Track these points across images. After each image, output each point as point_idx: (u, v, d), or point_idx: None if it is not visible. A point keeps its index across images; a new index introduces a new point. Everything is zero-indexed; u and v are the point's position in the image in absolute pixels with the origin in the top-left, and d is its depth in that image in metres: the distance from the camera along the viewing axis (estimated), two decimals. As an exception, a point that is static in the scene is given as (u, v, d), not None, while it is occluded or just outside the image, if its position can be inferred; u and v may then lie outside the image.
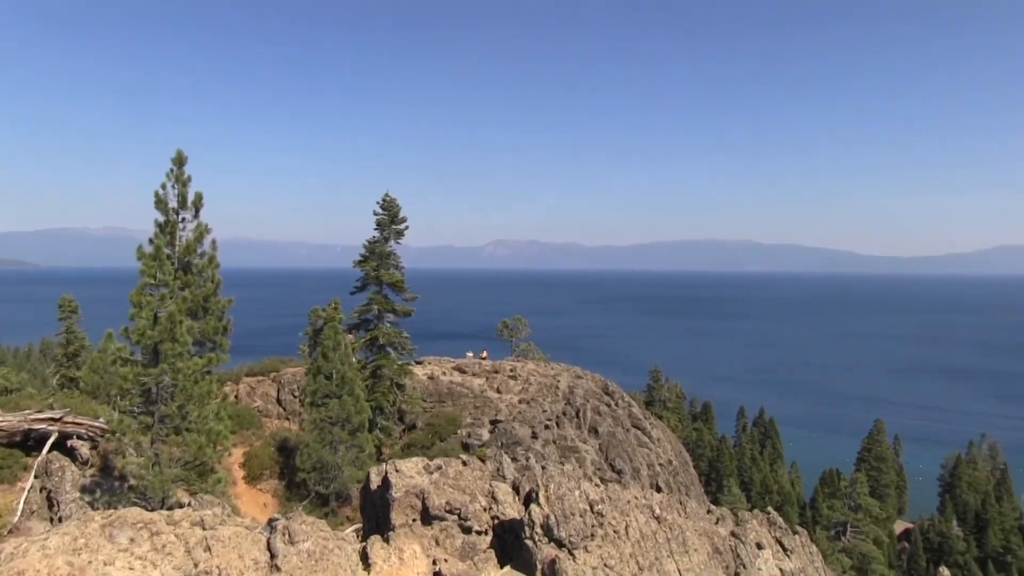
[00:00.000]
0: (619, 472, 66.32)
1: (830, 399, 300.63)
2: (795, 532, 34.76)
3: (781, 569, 29.51)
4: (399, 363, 67.82)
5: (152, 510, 21.75)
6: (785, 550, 31.60)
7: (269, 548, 18.20)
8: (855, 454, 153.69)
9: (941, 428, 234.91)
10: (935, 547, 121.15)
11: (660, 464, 75.21)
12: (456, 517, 23.27)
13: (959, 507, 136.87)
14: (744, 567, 27.45)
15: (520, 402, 72.16)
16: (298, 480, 53.22)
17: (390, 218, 68.24)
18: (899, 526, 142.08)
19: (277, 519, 19.19)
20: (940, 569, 68.12)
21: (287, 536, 18.44)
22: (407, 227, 69.13)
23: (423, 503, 23.64)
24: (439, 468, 25.32)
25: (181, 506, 25.00)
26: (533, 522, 22.15)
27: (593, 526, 22.45)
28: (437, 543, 22.53)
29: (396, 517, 23.59)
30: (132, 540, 17.09)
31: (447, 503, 23.43)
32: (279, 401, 68.90)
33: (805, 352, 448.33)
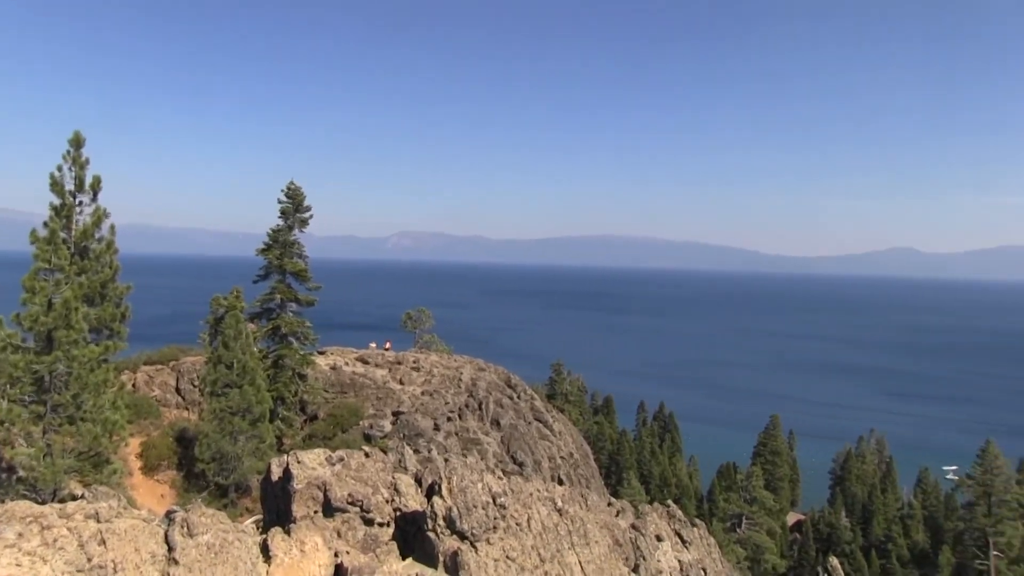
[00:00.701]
0: (521, 465, 66.85)
1: (729, 394, 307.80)
2: (694, 524, 35.56)
3: (680, 560, 30.17)
4: (301, 353, 67.04)
5: (43, 503, 21.09)
6: (684, 542, 32.33)
7: (167, 541, 17.86)
8: (751, 448, 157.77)
9: (833, 423, 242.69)
10: (824, 537, 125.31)
11: (562, 457, 76.07)
12: (358, 509, 23.17)
13: (848, 499, 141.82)
14: (644, 559, 28.00)
15: (423, 394, 72.08)
16: (197, 471, 52.19)
17: (294, 207, 67.34)
18: (792, 518, 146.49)
19: (175, 511, 18.85)
20: (830, 558, 70.60)
21: (186, 528, 18.12)
22: (311, 216, 68.35)
23: (325, 495, 23.48)
24: (341, 460, 25.17)
25: (74, 498, 24.27)
26: (435, 514, 22.22)
27: (496, 518, 22.63)
28: (339, 535, 22.41)
29: (297, 509, 23.37)
30: (20, 535, 16.57)
31: (349, 495, 23.31)
32: (178, 390, 67.39)
33: (706, 348, 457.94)
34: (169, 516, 18.67)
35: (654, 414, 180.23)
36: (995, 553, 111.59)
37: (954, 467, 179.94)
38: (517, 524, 23.14)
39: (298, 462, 24.62)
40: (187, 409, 65.98)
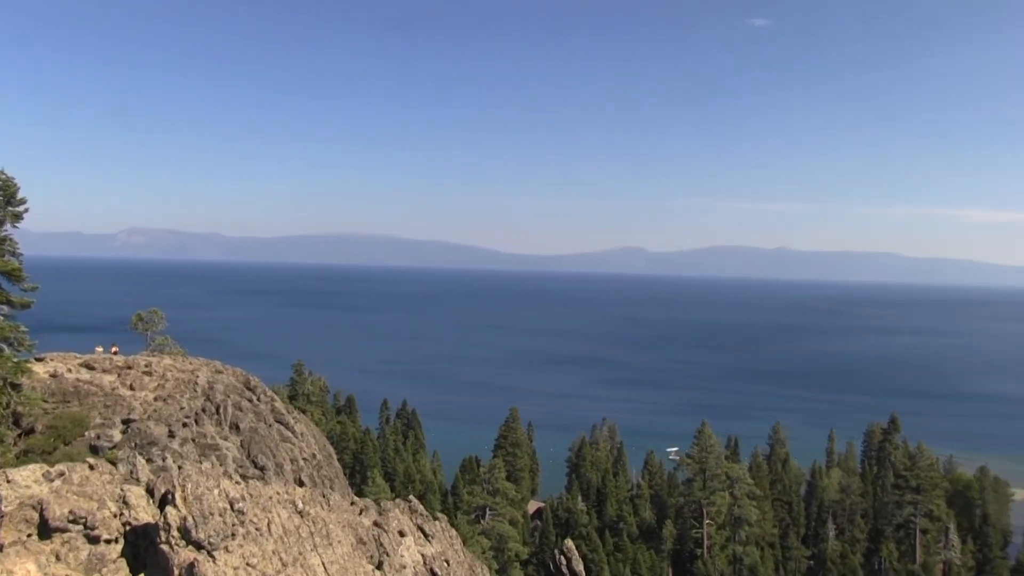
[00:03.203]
0: (262, 468, 64.78)
1: (469, 389, 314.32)
2: (435, 518, 35.80)
3: (423, 554, 30.25)
4: (14, 361, 61.39)
5: None
6: (426, 536, 32.44)
7: None
8: (493, 441, 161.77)
9: (569, 414, 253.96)
10: (563, 522, 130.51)
11: (304, 459, 74.44)
12: (81, 527, 21.46)
13: (583, 484, 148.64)
14: (388, 555, 27.84)
15: (156, 399, 68.17)
16: None
17: (5, 199, 61.57)
18: (533, 506, 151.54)
19: None
20: (566, 541, 73.54)
21: None
22: (27, 210, 62.73)
23: (41, 515, 21.55)
24: (62, 474, 23.22)
25: None
26: (169, 525, 20.97)
27: (234, 525, 21.70)
28: (58, 558, 20.64)
29: (6, 534, 21.29)
30: None
31: (71, 512, 21.53)
32: None
33: (446, 345, 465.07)
34: None
35: (397, 412, 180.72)
36: (708, 521, 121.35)
37: (675, 448, 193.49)
38: (257, 529, 22.31)
39: (8, 481, 22.46)
40: None
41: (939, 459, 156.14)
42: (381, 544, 28.24)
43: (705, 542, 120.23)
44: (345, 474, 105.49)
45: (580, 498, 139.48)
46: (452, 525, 44.11)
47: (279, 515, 23.50)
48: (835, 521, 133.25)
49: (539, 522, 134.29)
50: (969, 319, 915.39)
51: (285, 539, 22.91)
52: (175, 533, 20.83)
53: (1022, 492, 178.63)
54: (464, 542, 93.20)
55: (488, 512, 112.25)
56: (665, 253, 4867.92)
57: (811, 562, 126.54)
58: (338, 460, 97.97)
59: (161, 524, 21.12)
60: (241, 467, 64.04)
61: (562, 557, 73.71)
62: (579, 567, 72.73)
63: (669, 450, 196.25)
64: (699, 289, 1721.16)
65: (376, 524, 29.56)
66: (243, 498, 22.58)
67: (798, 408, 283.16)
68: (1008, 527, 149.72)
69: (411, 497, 36.01)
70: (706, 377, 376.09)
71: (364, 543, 27.49)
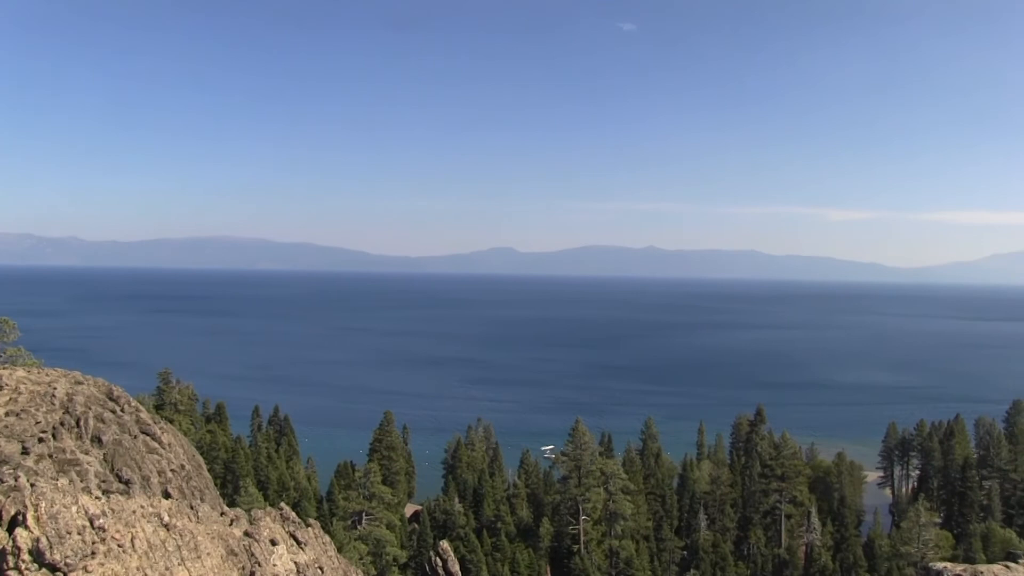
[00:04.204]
0: (127, 482, 61.99)
1: (343, 393, 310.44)
2: (308, 525, 34.88)
3: (296, 562, 29.37)
4: None
5: None
6: (299, 543, 31.51)
7: None
8: (368, 445, 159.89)
9: (444, 415, 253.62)
10: (441, 524, 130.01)
11: (172, 470, 71.64)
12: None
13: (460, 485, 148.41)
14: (259, 565, 26.86)
15: (7, 415, 64.43)
16: None
17: None
18: (410, 509, 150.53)
19: None
20: (441, 543, 73.15)
21: None
22: None
23: None
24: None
25: None
26: (19, 548, 19.51)
27: (94, 543, 20.41)
28: None
29: None
30: None
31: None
32: None
33: (317, 349, 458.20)
34: None
35: (269, 418, 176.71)
36: (584, 517, 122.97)
37: (551, 446, 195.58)
38: (119, 546, 21.05)
39: None
40: None
41: (801, 447, 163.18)
42: (252, 554, 27.24)
43: (582, 538, 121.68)
44: (216, 484, 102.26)
45: (457, 499, 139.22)
46: (327, 532, 43.13)
47: (143, 530, 22.27)
48: (706, 511, 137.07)
49: (416, 525, 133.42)
50: (825, 313, 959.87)
51: (150, 554, 21.72)
52: (26, 557, 19.40)
53: (874, 474, 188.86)
54: (340, 548, 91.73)
55: (364, 517, 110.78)
56: (536, 253, 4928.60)
57: (684, 552, 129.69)
58: (209, 470, 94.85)
59: (9, 548, 19.63)
60: (104, 482, 61.09)
61: (438, 559, 73.37)
62: (455, 568, 72.52)
63: (544, 448, 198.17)
64: (569, 288, 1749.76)
65: (247, 534, 28.51)
66: (104, 514, 21.29)
67: (669, 403, 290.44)
68: (862, 507, 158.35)
69: (283, 505, 34.94)
70: (578, 375, 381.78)
71: (235, 554, 26.43)
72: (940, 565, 28.97)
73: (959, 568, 28.26)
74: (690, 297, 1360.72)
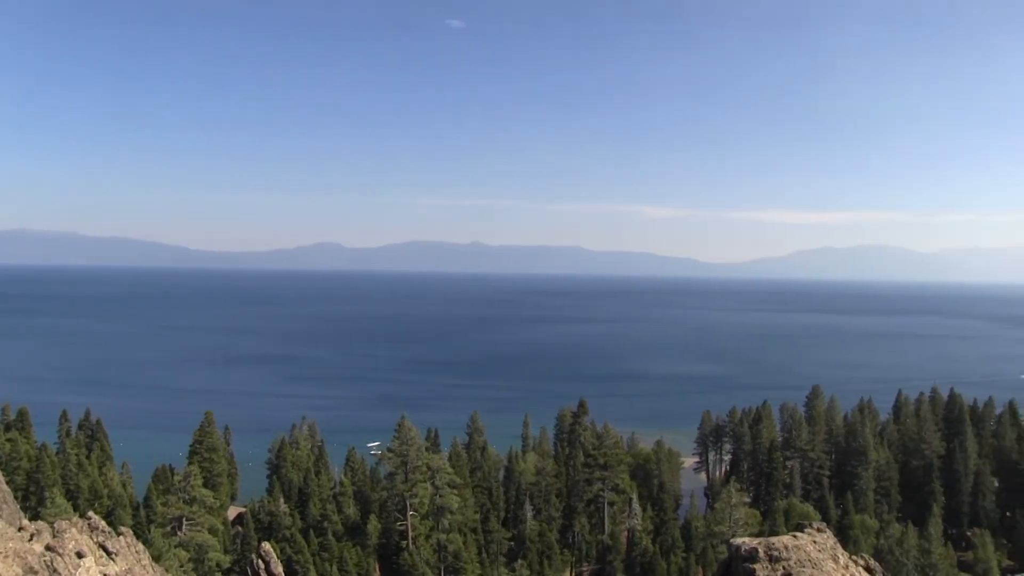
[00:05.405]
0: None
1: (159, 394, 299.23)
2: (120, 534, 33.61)
3: (105, 574, 28.30)
4: None
5: None
6: (109, 554, 30.33)
7: None
8: (188, 447, 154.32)
9: (267, 414, 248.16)
10: (265, 526, 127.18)
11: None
12: None
13: (285, 485, 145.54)
14: (66, 579, 25.72)
15: None
16: None
17: None
18: (233, 511, 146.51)
19: None
20: (263, 544, 71.74)
21: None
22: None
23: None
24: None
25: None
26: None
27: None
28: None
29: None
30: None
31: None
32: None
33: (132, 349, 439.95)
34: None
35: (79, 423, 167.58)
36: (411, 513, 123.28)
37: (377, 443, 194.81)
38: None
39: None
40: None
41: (623, 437, 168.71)
42: (55, 570, 25.97)
43: (410, 533, 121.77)
44: (17, 497, 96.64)
45: (282, 500, 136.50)
46: (143, 540, 41.62)
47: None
48: (532, 502, 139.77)
49: (240, 528, 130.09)
50: (644, 307, 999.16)
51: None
52: None
53: (690, 460, 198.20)
54: (158, 557, 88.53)
55: (185, 522, 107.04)
56: (363, 249, 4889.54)
57: (511, 543, 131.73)
58: (8, 482, 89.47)
59: None
60: None
61: (260, 561, 71.70)
62: (278, 569, 71.08)
63: (370, 445, 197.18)
64: (395, 284, 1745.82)
65: (49, 548, 27.14)
66: None
67: (494, 397, 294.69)
68: (679, 492, 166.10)
69: (91, 514, 33.34)
70: (403, 371, 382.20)
71: (34, 572, 25.15)
72: (738, 540, 30.84)
73: (755, 541, 30.19)
74: (514, 293, 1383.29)
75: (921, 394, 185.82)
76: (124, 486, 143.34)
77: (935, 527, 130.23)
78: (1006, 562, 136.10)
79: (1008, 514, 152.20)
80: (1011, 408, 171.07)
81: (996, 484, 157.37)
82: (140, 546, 35.20)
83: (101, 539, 30.73)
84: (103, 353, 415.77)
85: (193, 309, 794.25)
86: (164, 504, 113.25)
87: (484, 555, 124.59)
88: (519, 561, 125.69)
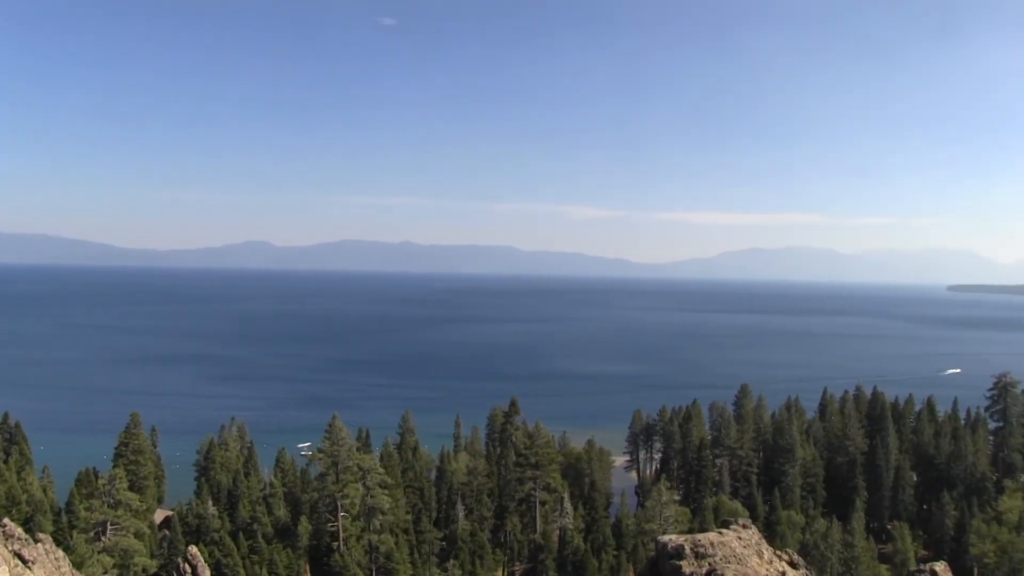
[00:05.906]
0: None
1: (83, 395, 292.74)
2: (38, 540, 33.03)
3: (21, 582, 27.79)
4: None
5: None
6: (25, 562, 29.80)
7: None
8: (113, 450, 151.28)
9: (195, 415, 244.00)
10: (194, 529, 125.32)
11: None
12: None
13: (214, 488, 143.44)
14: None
15: None
16: None
17: None
18: (160, 515, 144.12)
19: None
20: (189, 548, 70.80)
21: None
22: None
23: None
24: None
25: None
26: None
27: None
28: None
29: None
30: None
31: None
32: None
33: (52, 349, 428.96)
34: None
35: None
36: (342, 514, 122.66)
37: (307, 443, 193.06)
38: None
39: None
40: None
41: (554, 436, 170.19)
42: (-36, 580, 25.44)
43: (341, 535, 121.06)
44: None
45: (211, 502, 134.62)
46: (64, 546, 40.62)
47: None
48: (464, 502, 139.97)
49: (167, 531, 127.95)
50: (575, 307, 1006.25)
51: None
52: None
53: (621, 459, 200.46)
54: (80, 563, 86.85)
55: (110, 527, 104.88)
56: (292, 248, 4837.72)
57: (443, 543, 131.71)
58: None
59: None
60: None
61: (187, 565, 70.97)
62: (205, 573, 70.45)
63: (301, 446, 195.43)
64: (324, 283, 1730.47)
65: (-43, 560, 26.57)
66: None
67: (425, 396, 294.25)
68: (610, 490, 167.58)
69: (6, 521, 32.64)
70: (333, 370, 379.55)
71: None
72: (665, 538, 31.61)
73: (681, 539, 30.95)
74: (445, 292, 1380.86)
75: (846, 392, 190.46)
76: (45, 491, 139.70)
77: (858, 521, 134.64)
78: (922, 552, 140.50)
79: (925, 507, 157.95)
80: (929, 405, 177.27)
81: (915, 478, 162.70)
82: (60, 553, 34.59)
83: (17, 547, 30.13)
84: (22, 353, 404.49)
85: (118, 308, 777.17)
86: (87, 509, 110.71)
87: (416, 555, 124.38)
88: (451, 561, 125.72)
